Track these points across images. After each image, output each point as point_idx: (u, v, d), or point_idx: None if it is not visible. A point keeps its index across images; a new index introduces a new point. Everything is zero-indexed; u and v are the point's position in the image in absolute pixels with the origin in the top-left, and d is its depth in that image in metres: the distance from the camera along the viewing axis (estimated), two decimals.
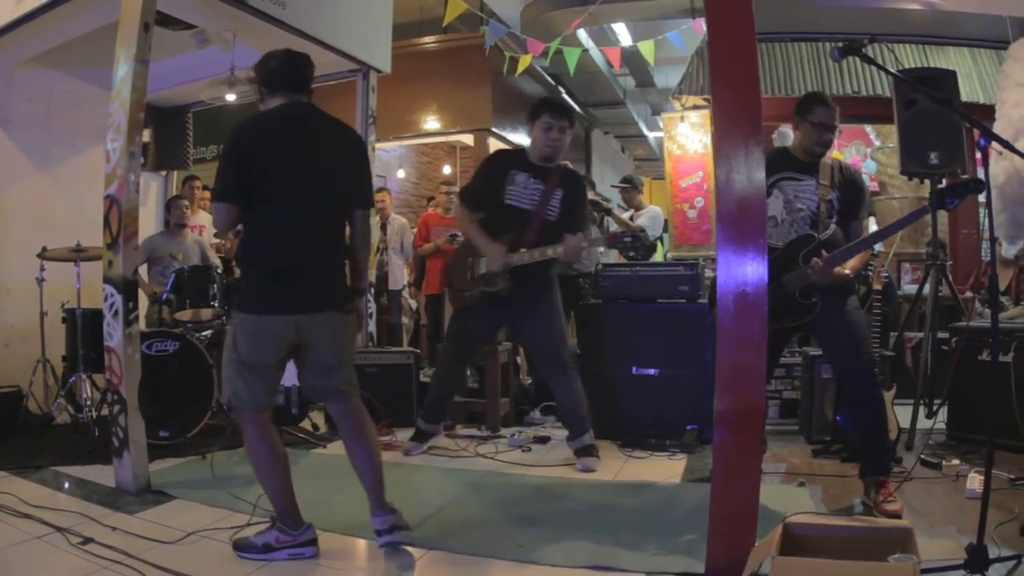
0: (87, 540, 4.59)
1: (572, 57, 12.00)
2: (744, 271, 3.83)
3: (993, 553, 3.61)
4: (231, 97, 9.22)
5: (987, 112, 10.04)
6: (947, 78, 7.19)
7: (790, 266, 5.40)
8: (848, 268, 5.35)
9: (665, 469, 6.43)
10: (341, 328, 4.68)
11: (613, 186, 12.04)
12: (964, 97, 9.80)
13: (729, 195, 3.87)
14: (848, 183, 5.59)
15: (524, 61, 12.24)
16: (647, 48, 11.82)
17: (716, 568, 3.86)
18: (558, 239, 6.19)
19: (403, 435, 7.47)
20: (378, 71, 9.42)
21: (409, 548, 4.62)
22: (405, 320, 12.58)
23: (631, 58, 15.34)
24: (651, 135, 24.14)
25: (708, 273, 7.99)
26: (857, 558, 3.26)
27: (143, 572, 4.15)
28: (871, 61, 4.24)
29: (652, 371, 7.45)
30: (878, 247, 6.24)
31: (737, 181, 3.85)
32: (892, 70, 5.37)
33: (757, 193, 3.85)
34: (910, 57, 11.73)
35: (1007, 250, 9.10)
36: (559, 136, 6.48)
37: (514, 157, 6.82)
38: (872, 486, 5.22)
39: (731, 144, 3.89)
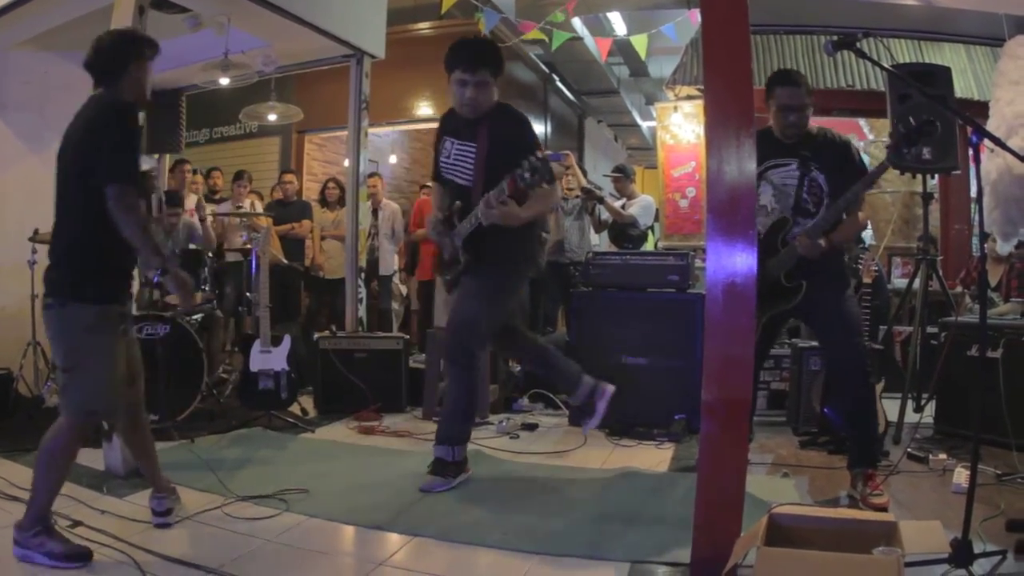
0: (76, 523, 4.60)
1: (560, 38, 12.00)
2: (734, 262, 3.83)
3: (978, 548, 3.64)
4: (225, 81, 9.22)
5: (982, 109, 10.08)
6: (941, 74, 7.18)
7: (771, 252, 5.41)
8: (834, 239, 5.38)
9: (652, 458, 6.47)
10: (50, 323, 4.36)
11: (605, 175, 12.06)
12: (959, 93, 9.78)
13: (720, 186, 3.88)
14: (830, 156, 5.49)
15: (531, 32, 12.28)
16: (639, 42, 11.84)
17: (701, 558, 3.87)
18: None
19: (390, 420, 7.58)
20: (372, 56, 9.39)
21: (395, 534, 4.66)
22: (395, 306, 12.60)
23: (625, 47, 15.35)
24: (644, 124, 24.11)
25: (698, 263, 8.00)
26: (842, 550, 3.27)
27: (131, 555, 4.16)
28: (864, 55, 4.25)
29: (642, 360, 7.46)
30: (869, 240, 6.23)
31: (728, 172, 3.85)
32: (886, 65, 5.35)
33: (748, 184, 3.86)
34: (905, 52, 11.74)
35: (1001, 247, 9.11)
36: (475, 94, 5.55)
37: (445, 119, 6.07)
38: (859, 478, 5.23)
39: (723, 135, 3.90)
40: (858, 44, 4.12)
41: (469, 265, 5.68)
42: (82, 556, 4.11)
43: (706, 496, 3.93)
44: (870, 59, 4.34)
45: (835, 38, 4.14)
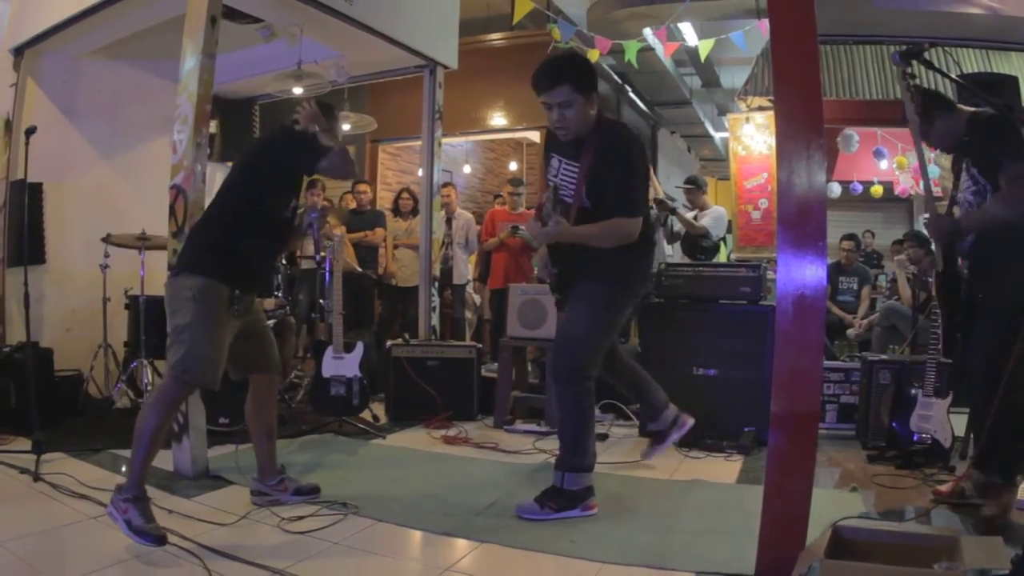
0: None
1: (632, 49, 12.02)
2: (804, 274, 3.81)
3: None
4: (298, 90, 9.33)
5: None
6: (1008, 83, 7.12)
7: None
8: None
9: (720, 470, 6.44)
10: (166, 290, 4.90)
11: (677, 187, 12.02)
12: None
13: (790, 197, 3.86)
14: (974, 141, 5.17)
15: (592, 55, 12.31)
16: (704, 45, 11.83)
17: (765, 570, 3.86)
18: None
19: (461, 428, 7.68)
20: (445, 67, 9.47)
21: (463, 540, 4.69)
22: (468, 315, 12.66)
23: (696, 57, 15.37)
24: (717, 135, 24.04)
25: (770, 275, 7.96)
26: (904, 565, 3.26)
27: (196, 554, 4.24)
28: (931, 66, 4.22)
29: (712, 371, 7.43)
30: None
31: (798, 183, 3.83)
32: (953, 75, 5.22)
33: (818, 196, 3.84)
34: (973, 62, 11.61)
35: None
36: (559, 114, 5.17)
37: (549, 134, 5.67)
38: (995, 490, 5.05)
39: (793, 146, 3.88)
40: (924, 54, 4.10)
41: (560, 281, 5.61)
42: (156, 539, 4.25)
43: (772, 508, 3.91)
44: (937, 69, 4.31)
45: (902, 48, 4.12)
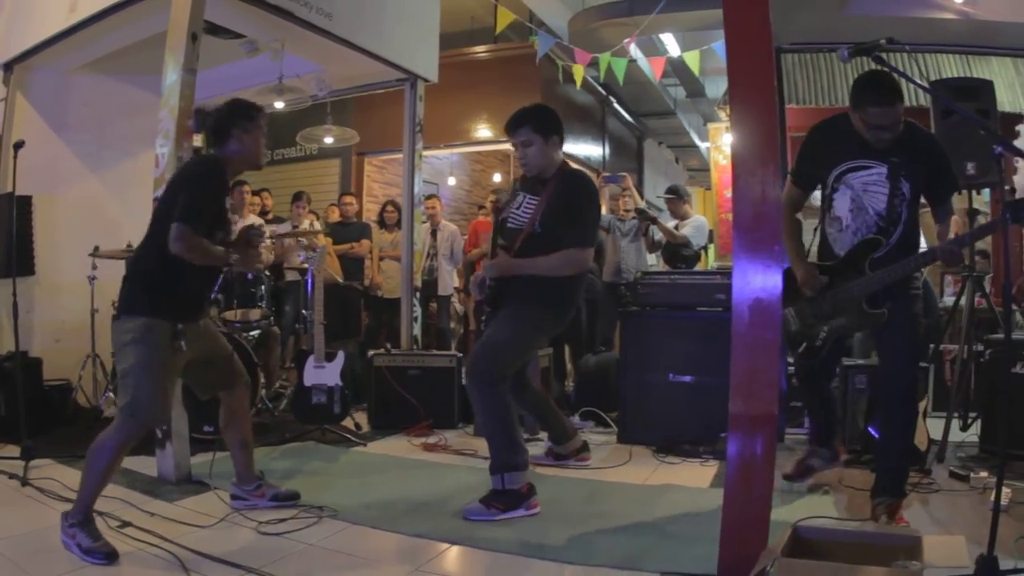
0: (125, 524, 4.81)
1: (619, 68, 12.09)
2: (759, 278, 3.90)
3: (1008, 566, 3.63)
4: (280, 104, 9.43)
5: None
6: (984, 88, 7.15)
7: (856, 273, 5.17)
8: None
9: (695, 475, 6.51)
10: (111, 333, 5.11)
11: (659, 197, 12.08)
12: (1008, 107, 9.76)
13: (745, 203, 3.95)
14: (924, 158, 5.07)
15: (577, 71, 12.37)
16: (692, 60, 11.91)
17: (727, 570, 3.92)
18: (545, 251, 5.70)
19: (442, 436, 7.74)
20: (425, 80, 9.56)
21: (435, 542, 4.78)
22: (453, 325, 12.71)
23: (680, 68, 15.42)
24: (703, 145, 24.02)
25: None
26: (864, 564, 3.32)
27: (175, 553, 4.36)
28: (883, 62, 4.26)
29: (688, 378, 7.49)
30: None
31: (752, 190, 3.92)
32: (911, 77, 5.17)
33: (772, 202, 3.92)
34: (952, 67, 11.62)
35: None
36: (523, 152, 5.89)
37: (522, 179, 6.30)
38: (883, 509, 5.03)
39: (747, 152, 3.98)
40: (878, 52, 4.14)
41: (496, 301, 5.94)
42: (106, 555, 4.32)
43: (732, 509, 3.99)
44: (889, 66, 4.34)
45: (853, 45, 4.18)
